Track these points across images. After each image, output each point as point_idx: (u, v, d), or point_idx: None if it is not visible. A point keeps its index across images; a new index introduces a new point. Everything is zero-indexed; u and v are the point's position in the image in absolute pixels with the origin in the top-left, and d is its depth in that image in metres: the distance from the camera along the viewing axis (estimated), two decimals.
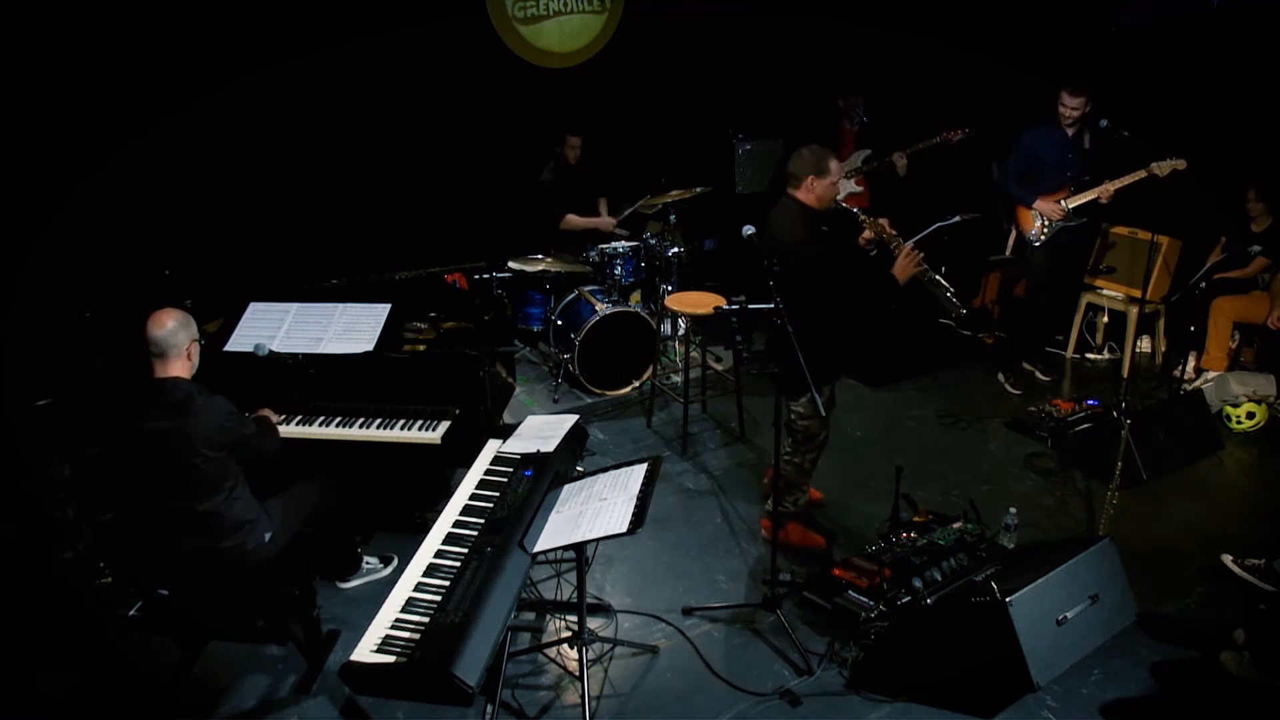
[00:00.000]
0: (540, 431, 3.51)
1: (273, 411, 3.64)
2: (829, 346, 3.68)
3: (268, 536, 3.13)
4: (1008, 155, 5.39)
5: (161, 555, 3.06)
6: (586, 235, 6.05)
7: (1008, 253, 6.15)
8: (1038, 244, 5.35)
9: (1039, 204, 5.25)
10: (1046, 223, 5.28)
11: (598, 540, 2.82)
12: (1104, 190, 5.10)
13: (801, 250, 3.52)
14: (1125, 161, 5.02)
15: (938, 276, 3.72)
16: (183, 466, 2.92)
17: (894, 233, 3.79)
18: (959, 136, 5.83)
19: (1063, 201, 5.21)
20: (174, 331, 2.97)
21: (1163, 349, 6.02)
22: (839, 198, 3.81)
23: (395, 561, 3.87)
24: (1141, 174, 4.98)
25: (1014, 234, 5.82)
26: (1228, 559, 3.80)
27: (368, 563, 3.83)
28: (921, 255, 3.61)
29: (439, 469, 4.16)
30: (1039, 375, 5.81)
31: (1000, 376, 5.73)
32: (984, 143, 5.98)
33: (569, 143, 5.93)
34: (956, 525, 3.87)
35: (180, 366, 3.00)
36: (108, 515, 3.80)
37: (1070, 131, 5.12)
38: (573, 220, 6.05)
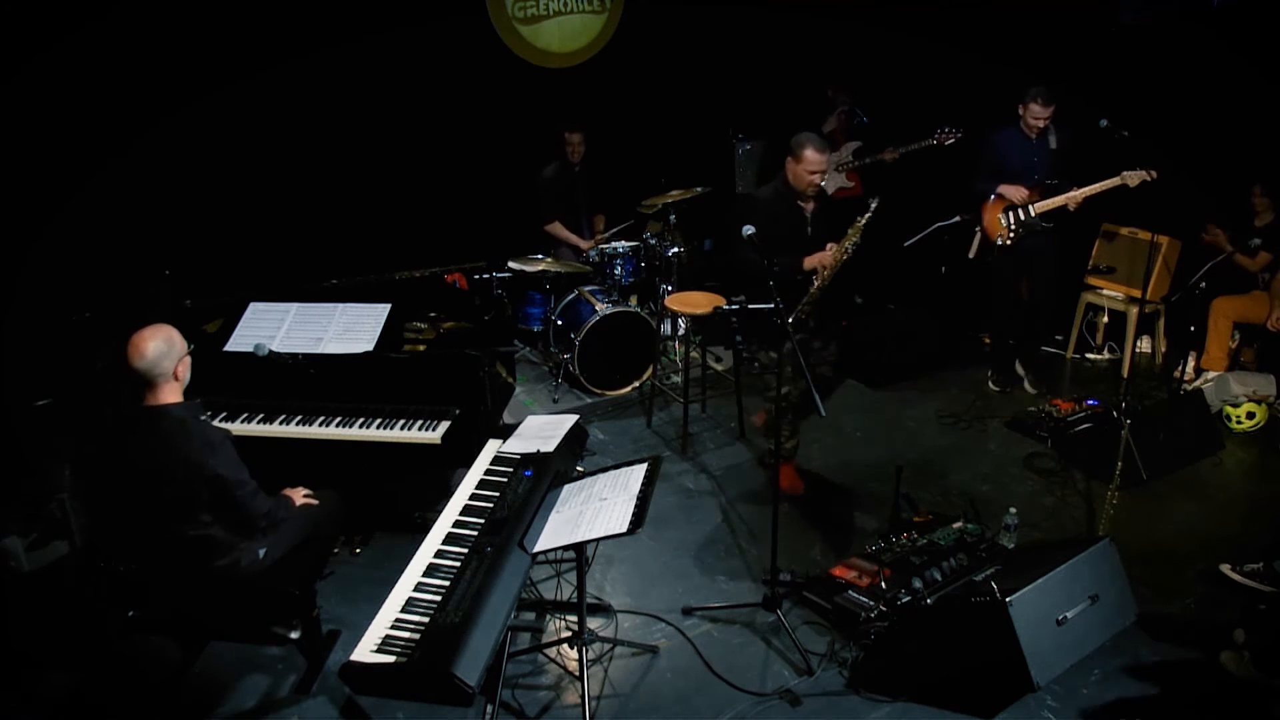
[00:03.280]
0: (540, 431, 3.51)
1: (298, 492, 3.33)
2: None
3: (261, 553, 3.05)
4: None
5: (156, 575, 3.01)
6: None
7: (971, 255, 5.71)
8: (1002, 245, 5.19)
9: (1004, 188, 5.11)
10: (1011, 226, 5.14)
11: (598, 540, 2.82)
12: (1071, 198, 4.95)
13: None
14: (1099, 163, 4.92)
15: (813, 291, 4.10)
16: (171, 495, 2.83)
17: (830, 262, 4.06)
18: (951, 139, 5.77)
19: (1030, 206, 5.08)
20: (156, 361, 2.78)
21: (1163, 349, 6.01)
22: (829, 191, 3.88)
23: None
24: (1114, 182, 4.88)
25: (979, 236, 5.56)
26: (1226, 568, 3.75)
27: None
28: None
29: (439, 469, 4.15)
30: (1028, 386, 5.61)
31: (989, 381, 5.69)
32: (982, 142, 5.96)
33: (568, 140, 5.89)
34: (956, 525, 3.88)
35: (170, 391, 2.84)
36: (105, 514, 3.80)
37: (1034, 136, 5.00)
38: (557, 229, 6.03)
